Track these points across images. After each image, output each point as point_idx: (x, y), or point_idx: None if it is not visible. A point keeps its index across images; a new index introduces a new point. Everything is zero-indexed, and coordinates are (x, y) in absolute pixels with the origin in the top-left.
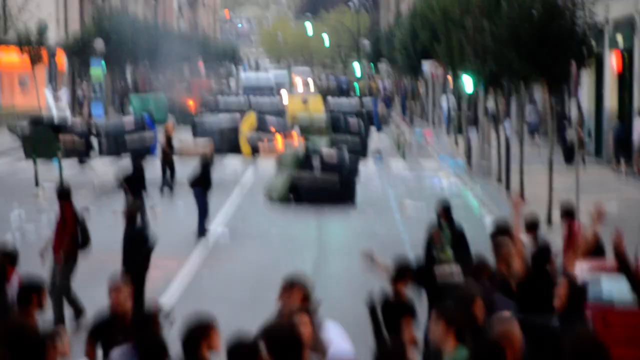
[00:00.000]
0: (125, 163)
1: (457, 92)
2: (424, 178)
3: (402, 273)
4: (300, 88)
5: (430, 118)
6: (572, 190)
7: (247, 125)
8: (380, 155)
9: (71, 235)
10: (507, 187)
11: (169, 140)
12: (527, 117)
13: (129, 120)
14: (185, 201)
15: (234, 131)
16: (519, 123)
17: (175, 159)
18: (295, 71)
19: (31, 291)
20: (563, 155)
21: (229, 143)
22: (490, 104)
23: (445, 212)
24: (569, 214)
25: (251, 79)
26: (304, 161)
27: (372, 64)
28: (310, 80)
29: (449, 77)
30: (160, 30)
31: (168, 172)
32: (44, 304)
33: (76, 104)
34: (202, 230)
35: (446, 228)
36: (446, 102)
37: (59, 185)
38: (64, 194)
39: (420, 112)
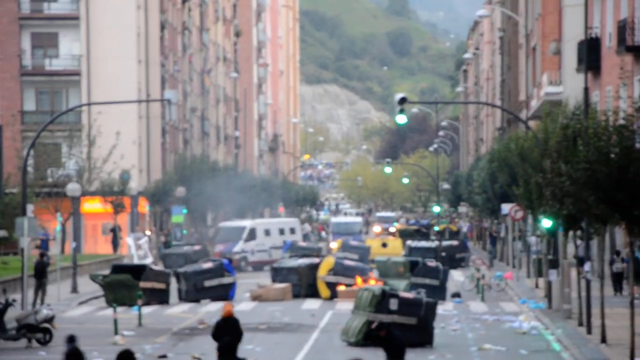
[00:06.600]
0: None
1: (536, 234)
2: (504, 321)
3: None
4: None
5: (510, 260)
6: None
7: (325, 269)
8: (460, 298)
9: None
10: (589, 330)
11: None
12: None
13: (208, 265)
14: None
15: (312, 275)
16: (599, 265)
17: (254, 304)
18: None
19: None
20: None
21: (307, 286)
22: (570, 247)
23: None
24: None
25: (341, 224)
26: (381, 304)
27: (452, 207)
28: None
29: (529, 220)
30: (241, 177)
31: None
32: None
33: (157, 250)
34: None
35: None
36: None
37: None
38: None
39: (499, 255)
